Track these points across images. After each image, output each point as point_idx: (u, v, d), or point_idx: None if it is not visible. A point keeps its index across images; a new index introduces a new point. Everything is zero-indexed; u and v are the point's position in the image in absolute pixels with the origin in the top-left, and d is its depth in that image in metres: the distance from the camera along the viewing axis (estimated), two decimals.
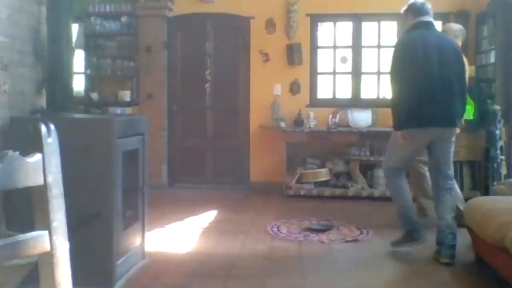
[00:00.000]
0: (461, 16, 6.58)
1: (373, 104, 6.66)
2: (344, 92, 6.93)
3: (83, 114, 5.34)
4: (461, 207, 4.30)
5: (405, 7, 4.09)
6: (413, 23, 3.95)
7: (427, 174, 4.51)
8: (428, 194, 4.59)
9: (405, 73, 3.79)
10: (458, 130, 4.05)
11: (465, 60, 4.28)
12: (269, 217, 5.26)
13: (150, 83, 6.91)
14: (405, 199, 4.02)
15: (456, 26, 4.92)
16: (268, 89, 6.84)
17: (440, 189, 3.92)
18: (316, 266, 3.81)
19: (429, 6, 3.97)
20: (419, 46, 3.79)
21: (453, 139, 3.98)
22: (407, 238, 4.05)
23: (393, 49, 3.99)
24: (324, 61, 7.00)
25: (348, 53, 6.90)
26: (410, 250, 4.14)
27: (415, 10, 3.96)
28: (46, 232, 1.22)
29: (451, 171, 3.98)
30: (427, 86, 3.77)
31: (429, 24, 3.95)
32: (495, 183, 5.39)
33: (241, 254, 4.06)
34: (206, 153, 7.08)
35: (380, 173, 6.30)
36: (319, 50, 6.95)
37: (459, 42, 4.60)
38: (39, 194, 1.22)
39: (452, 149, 3.98)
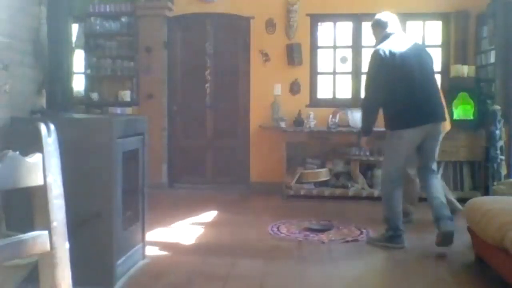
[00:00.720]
0: (461, 16, 6.59)
1: None
2: (344, 92, 6.93)
3: (83, 114, 5.33)
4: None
5: (372, 22, 4.43)
6: (385, 34, 4.23)
7: (417, 180, 4.75)
8: (413, 200, 4.90)
9: (385, 80, 4.03)
10: (444, 125, 4.35)
11: None
12: (269, 217, 5.26)
13: (150, 83, 6.91)
14: (396, 209, 4.19)
15: None
16: (268, 89, 6.83)
17: (426, 177, 4.18)
18: (316, 266, 3.81)
19: (395, 18, 4.31)
20: (397, 54, 4.04)
21: (440, 137, 4.31)
22: (387, 239, 4.21)
23: (370, 58, 4.20)
24: (324, 61, 6.99)
25: (348, 53, 6.90)
26: (410, 250, 4.15)
27: (383, 24, 4.27)
28: (46, 232, 1.22)
29: (435, 167, 4.31)
30: (411, 89, 4.02)
31: (399, 34, 4.25)
32: (495, 183, 5.39)
33: (241, 254, 4.06)
34: (206, 153, 7.07)
35: (380, 173, 6.30)
36: (319, 50, 6.94)
37: None
38: (39, 194, 1.22)
39: (438, 147, 4.32)
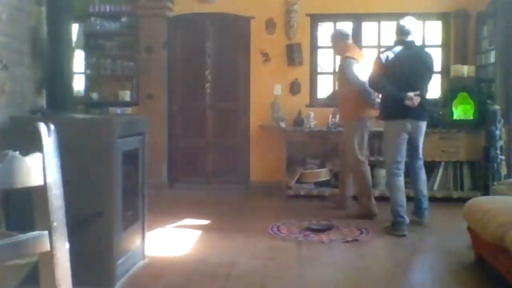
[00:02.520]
0: (461, 16, 6.59)
1: None
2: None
3: (83, 114, 5.33)
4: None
5: (396, 24, 5.02)
6: (395, 41, 4.96)
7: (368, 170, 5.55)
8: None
9: (384, 80, 4.79)
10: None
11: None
12: (269, 217, 5.26)
13: (150, 83, 6.90)
14: (395, 197, 4.77)
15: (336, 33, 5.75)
16: (268, 89, 6.83)
17: (415, 169, 4.97)
18: (316, 266, 3.81)
19: (411, 27, 4.89)
20: (392, 62, 4.78)
21: (424, 131, 4.95)
22: (390, 227, 4.72)
23: (374, 58, 5.03)
24: (324, 61, 6.99)
25: None
26: (409, 250, 4.15)
27: (398, 31, 4.93)
28: (46, 232, 1.22)
29: (421, 155, 5.00)
30: (400, 90, 4.72)
31: (408, 43, 4.88)
32: (495, 183, 5.39)
33: (241, 254, 4.06)
34: (206, 153, 7.07)
35: (380, 172, 6.29)
36: (319, 50, 6.95)
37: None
38: (39, 194, 1.22)
39: (422, 139, 4.96)
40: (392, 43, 5.06)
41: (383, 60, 4.82)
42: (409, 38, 4.87)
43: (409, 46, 4.88)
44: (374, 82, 4.92)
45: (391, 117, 4.79)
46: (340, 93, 5.67)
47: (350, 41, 5.57)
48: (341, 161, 5.81)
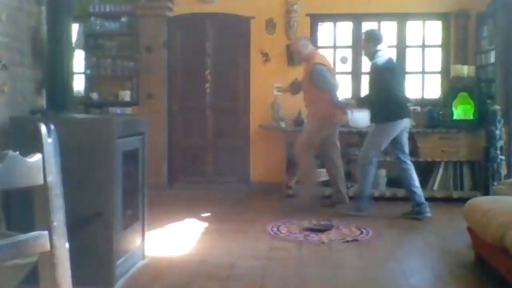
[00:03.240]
0: (461, 16, 6.59)
1: None
2: (344, 92, 6.91)
3: (83, 114, 5.33)
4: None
5: (368, 34, 5.41)
6: (376, 50, 5.23)
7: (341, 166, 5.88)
8: (341, 183, 5.81)
9: (388, 85, 5.16)
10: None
11: None
12: (269, 217, 5.26)
13: (150, 83, 6.90)
14: (369, 183, 5.36)
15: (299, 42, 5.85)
16: (268, 89, 6.83)
17: (410, 166, 5.26)
18: (316, 266, 3.81)
19: (383, 35, 5.42)
20: (389, 67, 5.20)
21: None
22: (356, 209, 5.33)
23: (374, 69, 5.27)
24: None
25: (348, 53, 6.89)
26: (409, 250, 4.14)
27: (375, 41, 5.28)
28: (46, 232, 1.22)
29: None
30: (399, 91, 5.29)
31: (387, 50, 5.36)
32: (495, 183, 5.40)
33: (241, 254, 4.06)
34: (206, 153, 7.07)
35: (380, 173, 6.30)
36: (319, 50, 6.92)
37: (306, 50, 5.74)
38: (39, 194, 1.22)
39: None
40: (368, 52, 5.35)
41: (384, 68, 5.14)
42: (383, 45, 5.29)
43: (387, 51, 5.34)
44: (391, 91, 5.17)
45: (399, 117, 5.16)
46: (310, 97, 5.75)
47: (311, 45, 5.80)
48: (327, 161, 5.89)
